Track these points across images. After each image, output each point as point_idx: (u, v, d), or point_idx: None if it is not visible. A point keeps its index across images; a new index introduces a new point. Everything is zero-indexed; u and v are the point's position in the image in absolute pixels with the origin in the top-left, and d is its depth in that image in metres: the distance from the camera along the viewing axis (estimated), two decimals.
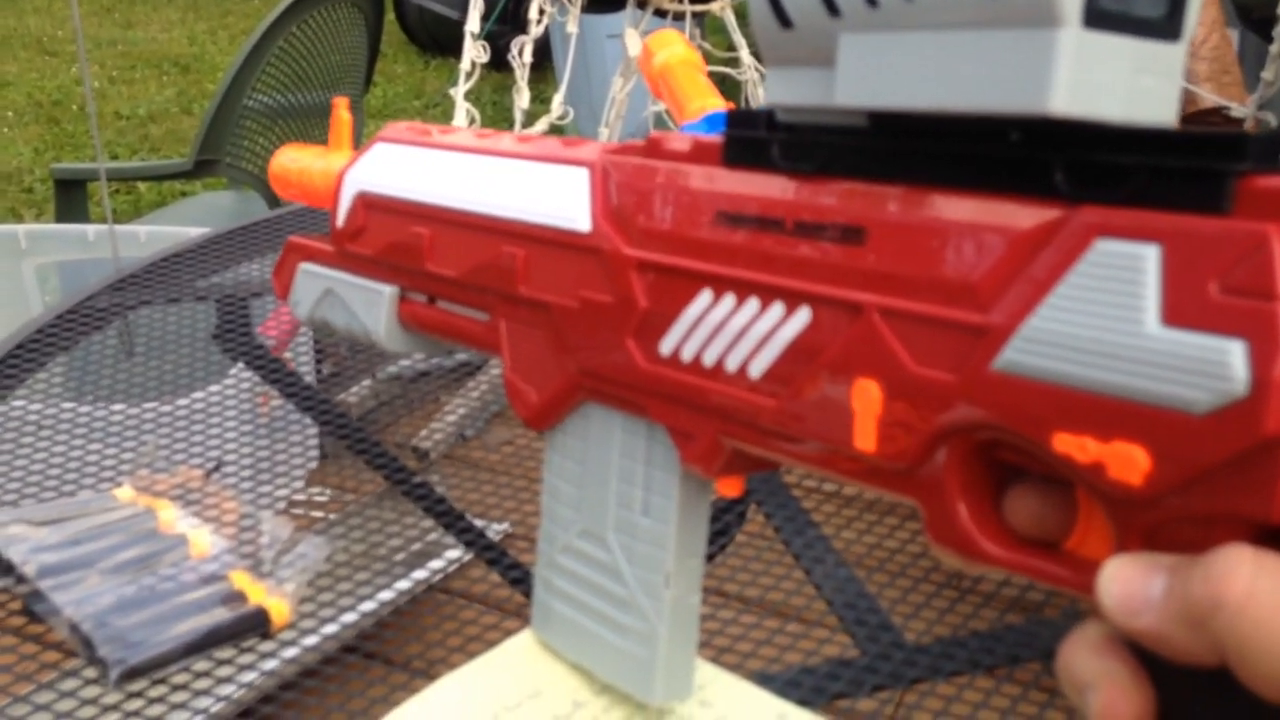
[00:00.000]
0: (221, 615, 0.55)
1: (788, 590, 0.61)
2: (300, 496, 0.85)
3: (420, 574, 0.73)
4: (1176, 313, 0.26)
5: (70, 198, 2.15)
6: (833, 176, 0.34)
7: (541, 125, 1.76)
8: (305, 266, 0.54)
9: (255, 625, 0.56)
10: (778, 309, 0.35)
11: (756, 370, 0.36)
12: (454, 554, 0.77)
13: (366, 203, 0.51)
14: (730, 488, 0.41)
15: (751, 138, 0.36)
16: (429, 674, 0.60)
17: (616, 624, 0.46)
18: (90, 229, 1.84)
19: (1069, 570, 0.30)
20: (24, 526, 0.59)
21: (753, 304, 0.36)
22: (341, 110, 0.57)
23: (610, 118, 1.94)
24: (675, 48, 0.81)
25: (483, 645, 0.60)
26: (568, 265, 0.43)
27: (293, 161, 0.57)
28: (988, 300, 0.30)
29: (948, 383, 0.30)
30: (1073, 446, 0.28)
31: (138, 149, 4.02)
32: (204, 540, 0.60)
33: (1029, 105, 0.27)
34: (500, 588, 0.72)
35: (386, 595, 0.67)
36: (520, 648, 0.52)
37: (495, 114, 3.88)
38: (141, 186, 3.47)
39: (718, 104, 0.78)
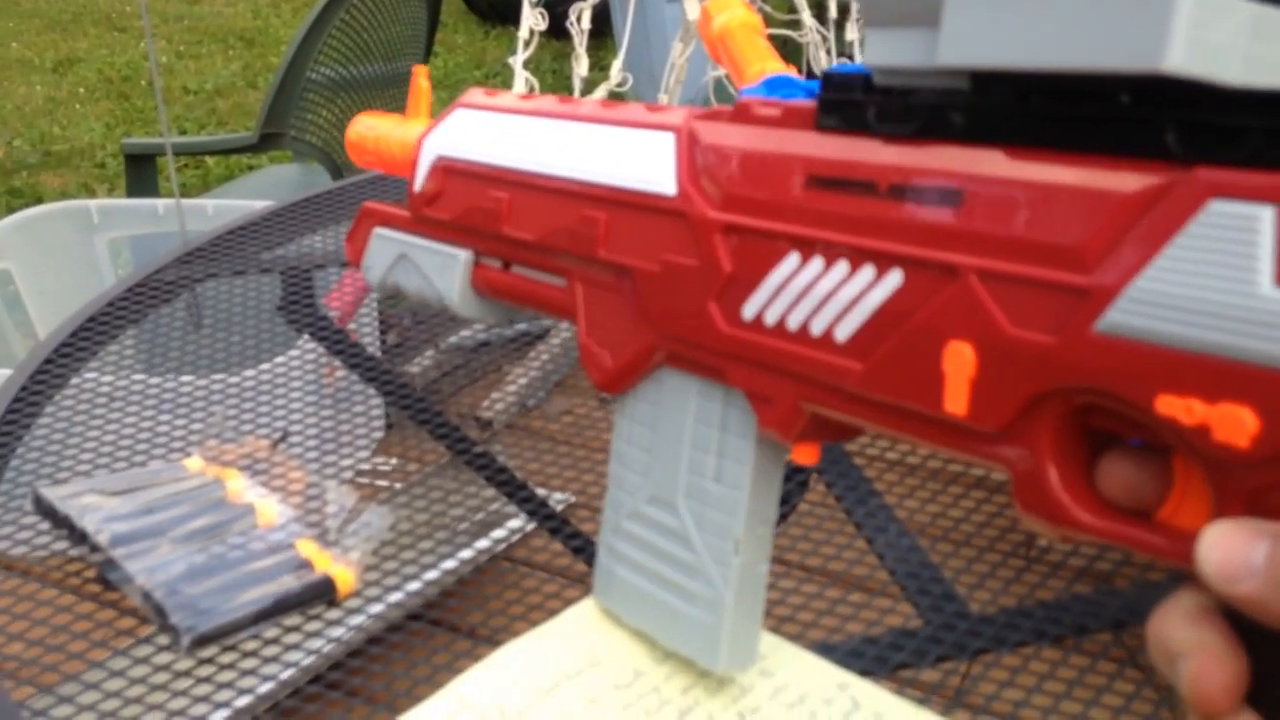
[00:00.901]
0: (289, 583, 0.56)
1: (849, 559, 0.60)
2: (366, 466, 0.86)
3: (484, 543, 0.74)
4: None
5: (140, 172, 2.18)
6: (930, 140, 0.34)
7: (600, 92, 1.76)
8: (379, 231, 0.54)
9: (322, 593, 0.57)
10: (868, 272, 0.35)
11: (843, 334, 0.36)
12: (517, 523, 0.78)
13: (445, 167, 0.51)
14: (806, 455, 0.42)
15: (847, 100, 0.36)
16: (493, 640, 0.61)
17: (683, 590, 0.46)
18: (160, 203, 1.87)
19: (1164, 539, 0.30)
20: (97, 496, 0.61)
21: (842, 267, 0.36)
22: (421, 79, 0.58)
23: (670, 83, 1.92)
24: (734, 10, 0.80)
25: (545, 613, 0.60)
26: (651, 229, 0.43)
27: (369, 129, 0.58)
28: (1092, 262, 0.29)
29: (1047, 344, 0.30)
30: (1178, 408, 0.28)
31: (205, 123, 4.08)
32: (271, 509, 0.61)
33: (1144, 62, 0.27)
34: (562, 556, 0.72)
35: (450, 564, 0.68)
36: (581, 617, 0.52)
37: (555, 82, 3.87)
38: (209, 160, 3.53)
39: (777, 67, 0.77)
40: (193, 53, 4.94)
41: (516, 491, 0.74)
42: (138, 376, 0.77)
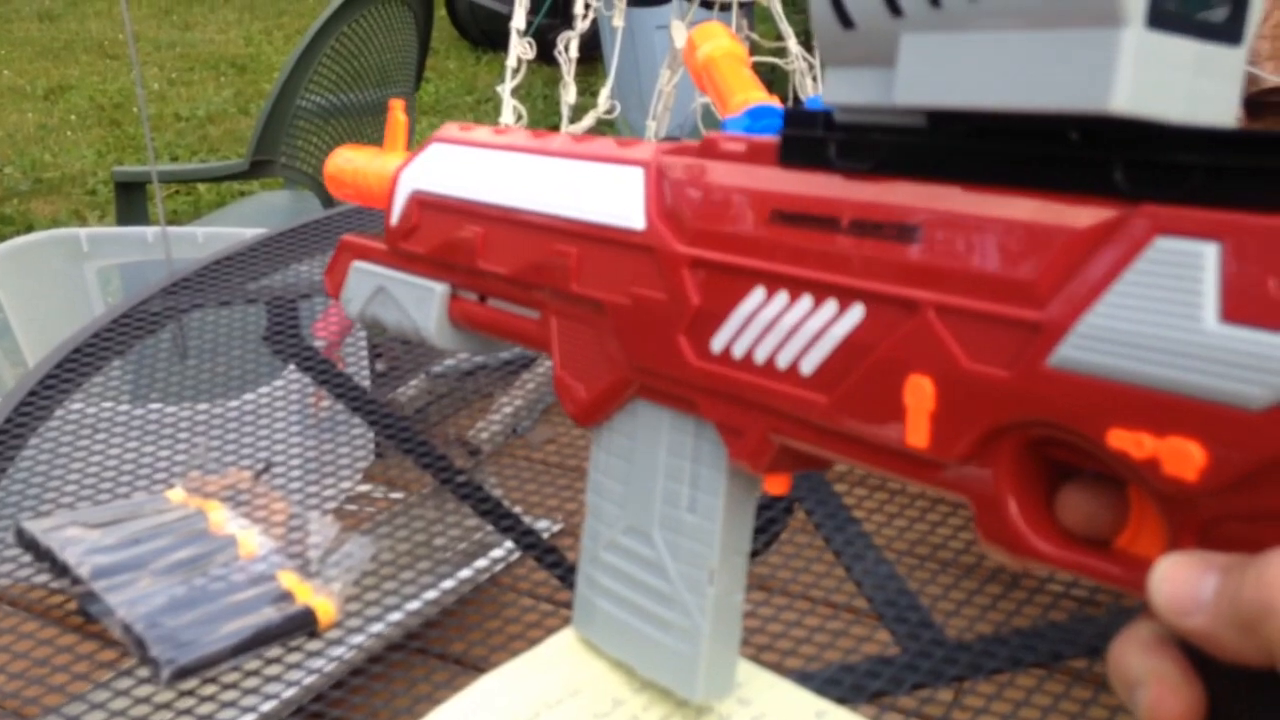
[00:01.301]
0: (270, 615, 0.57)
1: (829, 587, 0.61)
2: (354, 493, 0.87)
3: (469, 570, 0.74)
4: (1235, 309, 0.26)
5: (131, 200, 2.19)
6: (889, 176, 0.34)
7: (589, 119, 1.77)
8: (358, 265, 0.55)
9: (303, 625, 0.57)
10: (831, 306, 0.36)
11: (808, 367, 0.36)
12: (503, 550, 0.78)
13: (421, 202, 0.52)
14: (777, 485, 0.42)
15: (808, 137, 0.37)
16: (479, 668, 0.61)
17: (660, 620, 0.46)
18: (149, 231, 1.87)
19: (1120, 568, 0.30)
20: (79, 529, 0.61)
21: (805, 301, 0.36)
22: (397, 112, 0.58)
23: (658, 110, 1.94)
24: (719, 40, 0.81)
25: (530, 640, 0.60)
26: (621, 263, 0.43)
27: (347, 162, 0.58)
28: (1044, 297, 0.30)
29: (1002, 379, 0.31)
30: (1128, 442, 0.28)
31: (197, 149, 4.09)
32: (253, 541, 0.62)
33: (1091, 104, 0.28)
34: (549, 582, 0.72)
35: (434, 593, 0.68)
36: (561, 646, 0.53)
37: (546, 107, 3.89)
38: (200, 187, 3.53)
39: (761, 97, 0.78)
40: (185, 79, 4.95)
41: (502, 519, 0.74)
42: (123, 406, 0.78)
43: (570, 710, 0.49)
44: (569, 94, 1.65)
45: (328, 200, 2.20)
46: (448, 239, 0.50)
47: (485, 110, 4.32)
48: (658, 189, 0.42)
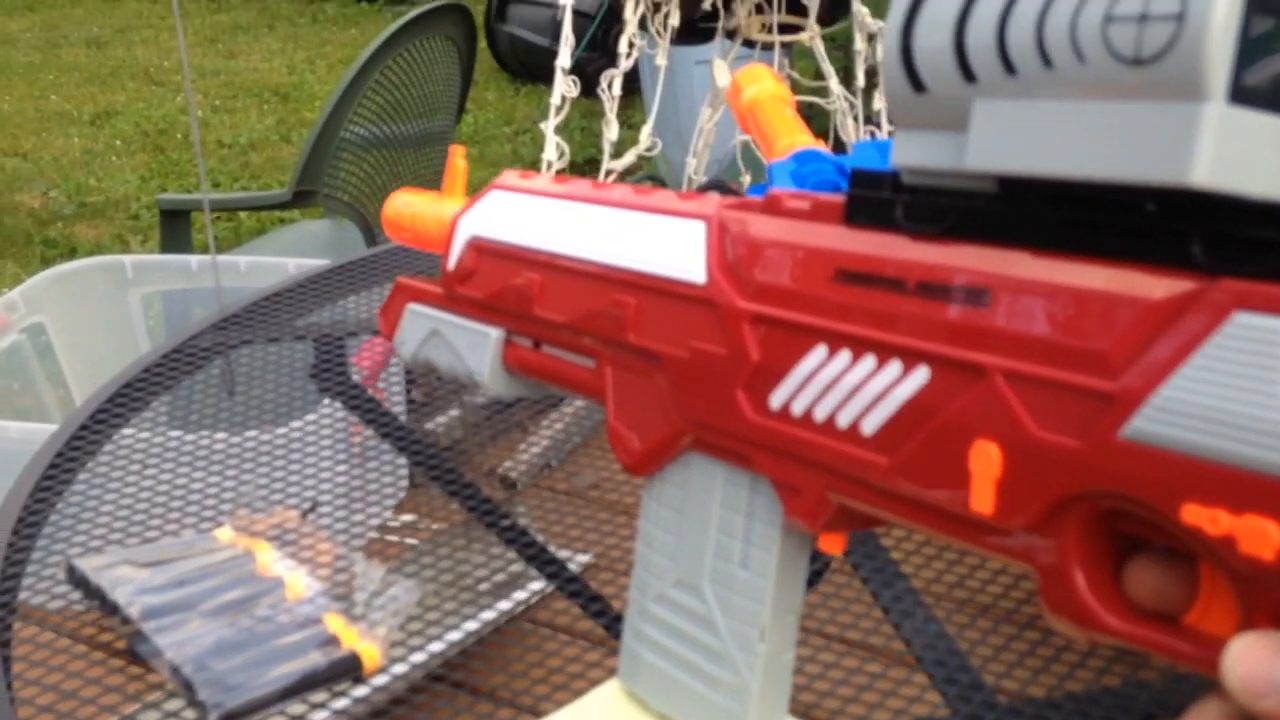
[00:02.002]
0: (316, 660, 0.57)
1: (878, 644, 0.60)
2: (390, 524, 0.87)
3: (504, 604, 0.74)
4: None
5: (174, 227, 2.22)
6: (958, 239, 0.34)
7: (630, 156, 1.78)
8: (413, 307, 0.55)
9: (348, 670, 0.57)
10: (895, 367, 0.35)
11: (869, 427, 0.36)
12: (538, 585, 0.78)
13: (478, 247, 0.52)
14: (832, 545, 0.41)
15: (875, 198, 0.36)
16: (513, 704, 0.61)
17: (708, 676, 0.46)
18: (194, 259, 1.90)
19: (1190, 645, 0.30)
20: (130, 568, 0.61)
21: (869, 361, 0.36)
22: (457, 159, 0.59)
23: (698, 147, 1.94)
24: (764, 83, 0.81)
25: (566, 676, 0.60)
26: (680, 316, 0.43)
27: (406, 206, 0.59)
28: (1118, 368, 0.30)
29: (1072, 449, 0.30)
30: (1203, 519, 0.28)
31: (239, 176, 4.14)
32: (300, 583, 0.62)
33: (1170, 176, 0.27)
34: (584, 619, 0.72)
35: (471, 625, 0.68)
36: (605, 698, 0.52)
37: (583, 139, 3.91)
38: (242, 214, 3.58)
39: (807, 140, 0.78)
40: (228, 107, 5.02)
41: (536, 554, 0.74)
42: (173, 433, 0.78)
43: None
44: (611, 131, 1.66)
45: (368, 230, 2.22)
46: (504, 285, 0.50)
47: (523, 142, 4.35)
48: (720, 243, 0.42)
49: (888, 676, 0.56)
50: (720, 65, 1.74)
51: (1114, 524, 0.31)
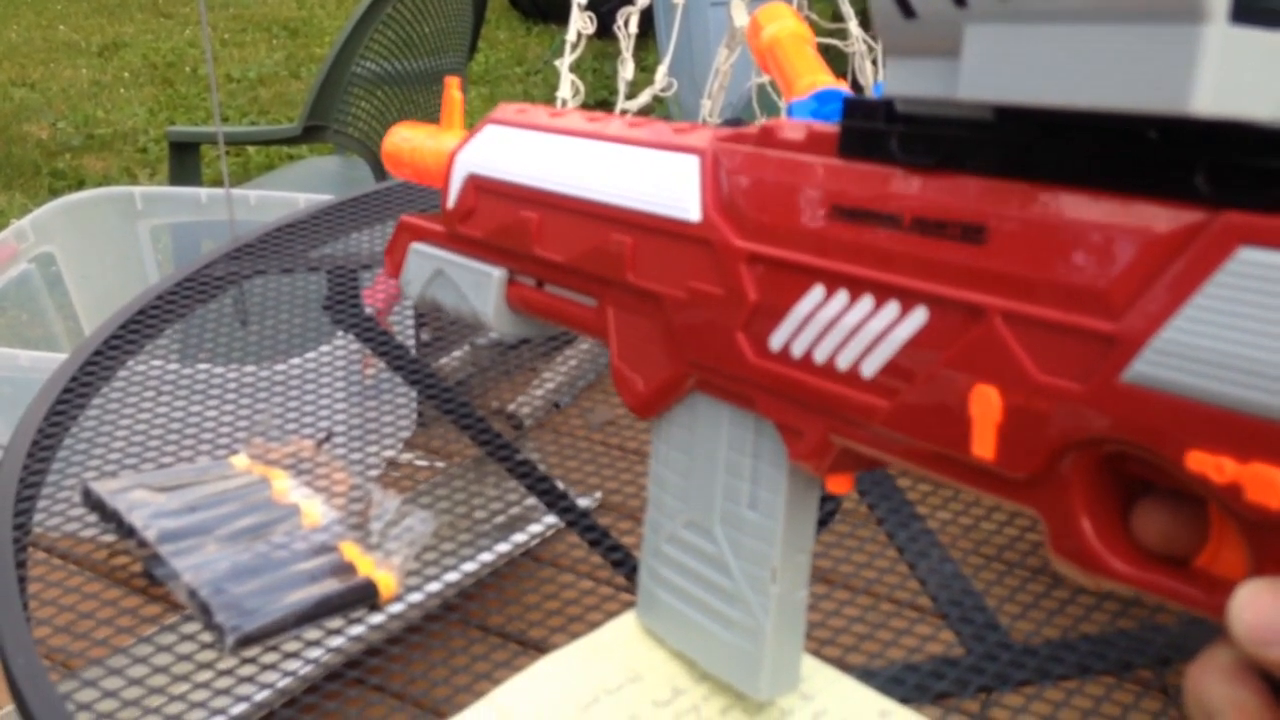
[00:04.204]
0: (332, 586, 0.57)
1: (892, 583, 0.60)
2: (397, 459, 0.87)
3: (509, 544, 0.74)
4: None
5: (184, 161, 2.20)
6: (954, 172, 0.32)
7: (645, 96, 1.76)
8: (416, 246, 0.54)
9: (364, 597, 0.57)
10: (892, 308, 0.34)
11: (869, 370, 0.35)
12: (544, 523, 0.78)
13: (477, 185, 0.51)
14: (839, 485, 0.41)
15: (869, 129, 0.35)
16: (517, 641, 0.61)
17: (722, 617, 0.45)
18: (203, 192, 1.89)
19: (1199, 590, 0.29)
20: (145, 492, 0.61)
21: (866, 302, 0.35)
22: (454, 90, 0.57)
23: (713, 89, 1.92)
24: (785, 21, 0.79)
25: (569, 613, 0.60)
26: (677, 255, 0.42)
27: (405, 141, 0.57)
28: (1119, 308, 0.28)
29: (1074, 392, 0.29)
30: (1208, 466, 0.27)
31: (247, 111, 4.11)
32: (315, 510, 0.62)
33: (1169, 105, 0.26)
34: (589, 556, 0.72)
35: (474, 565, 0.68)
36: (623, 630, 0.52)
37: (595, 80, 3.87)
38: (250, 149, 3.55)
39: (828, 80, 0.77)
40: (237, 40, 4.97)
41: (545, 491, 0.74)
42: (185, 369, 0.78)
43: (630, 696, 0.49)
44: (627, 70, 1.64)
45: (378, 166, 2.21)
46: (504, 224, 0.49)
47: (534, 82, 4.31)
48: (714, 178, 0.41)
49: (901, 616, 0.56)
50: (739, 4, 1.72)
51: (1120, 466, 0.30)
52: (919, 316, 0.33)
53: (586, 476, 0.76)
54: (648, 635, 0.51)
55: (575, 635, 0.56)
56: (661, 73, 1.70)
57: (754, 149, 0.40)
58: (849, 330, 0.35)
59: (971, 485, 0.33)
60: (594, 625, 0.57)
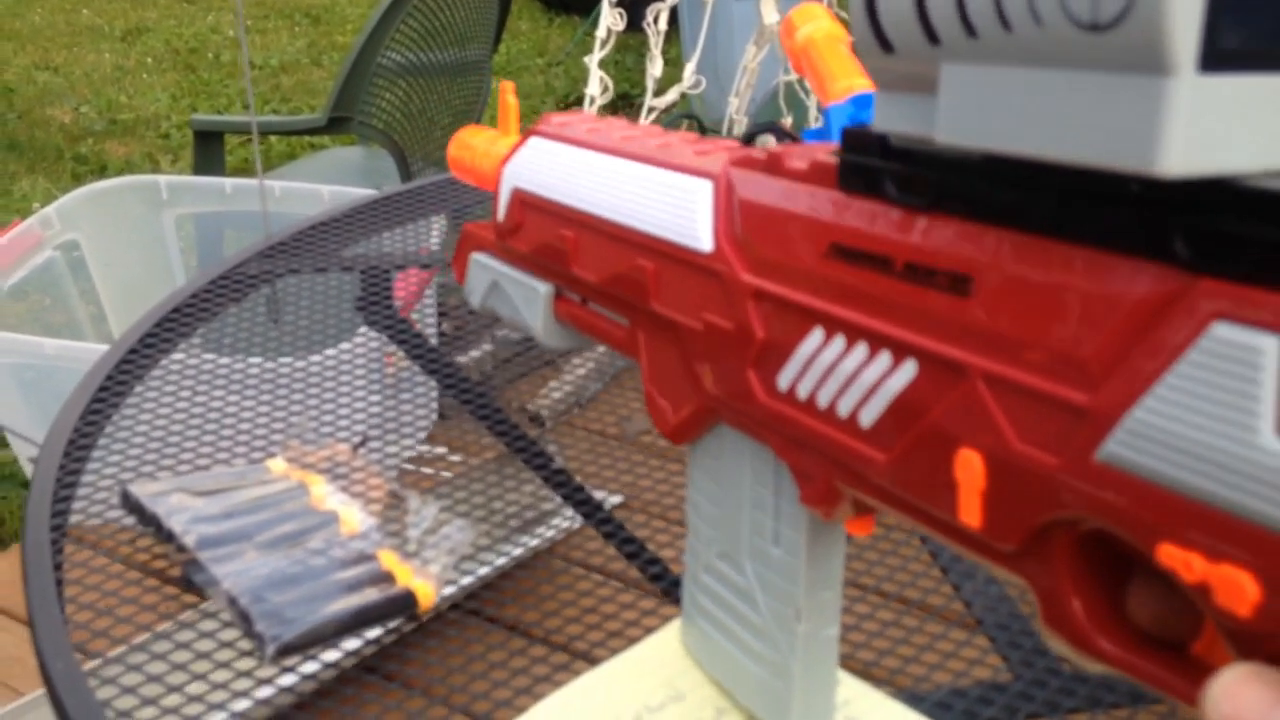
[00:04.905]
0: (371, 595, 0.56)
1: (937, 604, 0.59)
2: (417, 454, 0.86)
3: (527, 539, 0.73)
4: None
5: (208, 149, 2.20)
6: (945, 215, 0.30)
7: (673, 94, 1.75)
8: (475, 257, 0.54)
9: (404, 607, 0.57)
10: (885, 358, 0.32)
11: (866, 420, 0.33)
12: (565, 521, 0.77)
13: (521, 199, 0.50)
14: (860, 527, 0.39)
15: (865, 164, 0.33)
16: (531, 635, 0.61)
17: (752, 651, 0.45)
18: (228, 182, 1.89)
19: (1187, 681, 0.26)
20: (184, 496, 0.61)
21: (861, 349, 0.33)
22: (508, 95, 0.57)
23: (740, 86, 1.91)
24: (820, 21, 0.78)
25: (589, 612, 0.60)
26: (692, 284, 0.41)
27: (465, 148, 0.57)
28: (1096, 378, 0.26)
29: (1050, 465, 0.27)
30: (1178, 562, 0.24)
31: (269, 99, 4.11)
32: (354, 518, 0.62)
33: (1135, 164, 0.23)
34: (609, 555, 0.72)
35: (492, 559, 0.68)
36: (664, 646, 0.52)
37: (617, 74, 3.86)
38: (271, 138, 3.55)
39: (865, 84, 0.75)
40: (259, 28, 4.98)
41: (567, 489, 0.73)
42: (215, 362, 0.78)
43: (673, 714, 0.48)
44: (655, 67, 1.63)
45: (401, 158, 2.20)
46: (545, 241, 0.48)
47: (555, 74, 4.30)
48: (726, 206, 0.39)
49: (948, 638, 0.55)
50: (768, 2, 1.71)
51: (1112, 542, 0.27)
52: (909, 369, 0.31)
53: (605, 472, 0.76)
54: (690, 652, 0.51)
55: (592, 633, 0.56)
56: (689, 70, 1.69)
57: (762, 177, 0.38)
58: (846, 377, 0.34)
59: (966, 550, 0.31)
60: (611, 624, 0.56)
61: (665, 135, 0.46)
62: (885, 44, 0.29)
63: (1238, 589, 0.23)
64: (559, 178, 0.48)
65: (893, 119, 0.30)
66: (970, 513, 0.30)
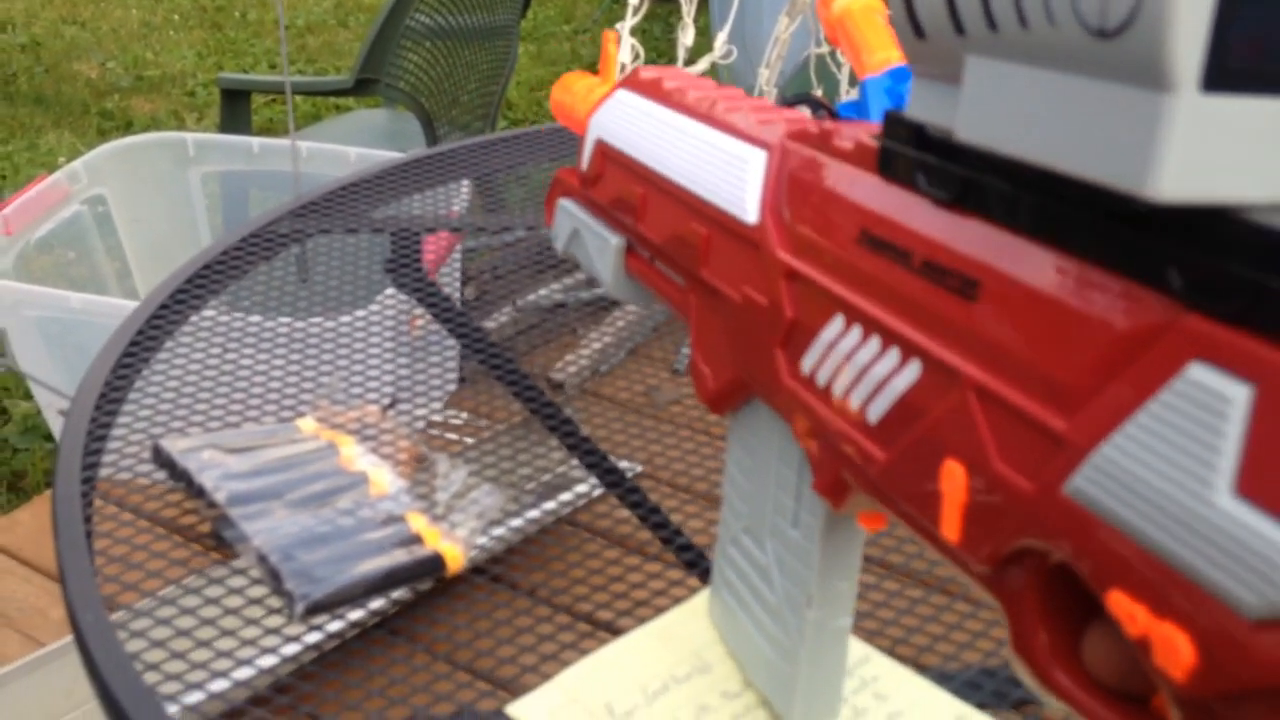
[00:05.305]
0: (400, 557, 0.56)
1: (967, 580, 0.59)
2: (438, 418, 0.86)
3: (546, 506, 0.73)
4: (1253, 482, 0.21)
5: (235, 108, 2.20)
6: (966, 212, 0.29)
7: (703, 64, 1.73)
8: (561, 203, 0.53)
9: (432, 569, 0.57)
10: (893, 355, 0.32)
11: (873, 415, 0.33)
12: (582, 489, 0.77)
13: (603, 151, 0.50)
14: (872, 522, 0.39)
15: (899, 152, 0.32)
16: (550, 603, 0.61)
17: (766, 630, 0.45)
18: (255, 141, 1.88)
19: None
20: (215, 452, 0.61)
21: (874, 343, 0.32)
22: (610, 44, 0.57)
23: (771, 58, 1.89)
24: None
25: (606, 579, 0.60)
26: (736, 255, 0.40)
27: (567, 91, 0.57)
28: (1074, 405, 0.25)
29: (1024, 490, 0.26)
30: (1124, 611, 0.23)
31: (294, 60, 4.10)
32: (383, 479, 0.62)
33: (1127, 183, 0.22)
34: (624, 526, 0.72)
35: (517, 522, 0.68)
36: (691, 617, 0.52)
37: (643, 42, 3.84)
38: (297, 99, 3.55)
39: (901, 56, 0.75)
40: None
41: (590, 456, 0.73)
42: (240, 321, 0.78)
43: (700, 686, 0.49)
44: (687, 36, 1.62)
45: (427, 121, 2.20)
46: (620, 194, 0.48)
47: (583, 41, 4.27)
48: (776, 179, 0.39)
49: (978, 616, 0.55)
50: None
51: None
52: (913, 370, 0.31)
53: (627, 441, 0.76)
54: (714, 624, 0.51)
55: (607, 601, 0.56)
56: (721, 40, 1.67)
57: (811, 152, 0.37)
58: (859, 369, 0.33)
59: (949, 560, 0.31)
60: (639, 592, 0.56)
61: (742, 99, 0.45)
62: (918, 28, 0.28)
63: (1174, 650, 0.22)
64: (637, 133, 0.48)
65: (924, 106, 0.30)
66: (950, 526, 0.29)
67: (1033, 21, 0.24)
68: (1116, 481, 0.23)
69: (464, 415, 0.88)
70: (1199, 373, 0.22)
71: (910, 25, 0.28)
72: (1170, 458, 0.22)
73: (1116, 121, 0.22)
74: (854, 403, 0.33)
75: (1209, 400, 0.21)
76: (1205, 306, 0.22)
